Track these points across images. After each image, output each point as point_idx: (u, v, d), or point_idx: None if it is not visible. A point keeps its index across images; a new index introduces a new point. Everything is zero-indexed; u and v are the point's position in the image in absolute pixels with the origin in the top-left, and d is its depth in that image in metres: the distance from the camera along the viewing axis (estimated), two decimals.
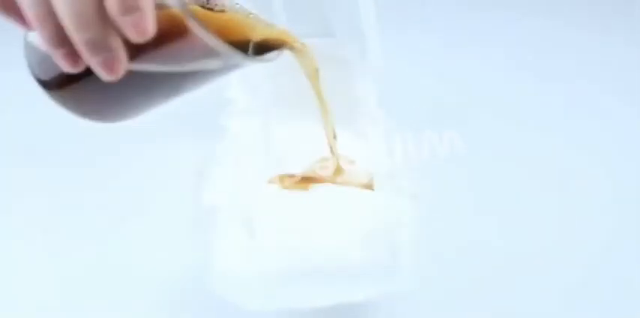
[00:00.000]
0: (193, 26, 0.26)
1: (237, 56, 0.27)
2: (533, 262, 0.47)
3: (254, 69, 0.45)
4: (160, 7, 0.26)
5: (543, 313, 0.44)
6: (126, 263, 0.46)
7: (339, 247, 0.40)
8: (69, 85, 0.29)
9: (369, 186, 0.49)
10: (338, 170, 0.48)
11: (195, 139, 0.54)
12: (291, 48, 0.35)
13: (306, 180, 0.48)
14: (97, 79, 0.27)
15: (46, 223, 0.50)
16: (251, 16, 0.33)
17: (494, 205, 0.51)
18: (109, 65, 0.26)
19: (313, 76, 0.38)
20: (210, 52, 0.27)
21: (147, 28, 0.25)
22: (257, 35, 0.32)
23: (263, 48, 0.32)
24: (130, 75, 0.27)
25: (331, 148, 0.42)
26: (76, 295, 0.44)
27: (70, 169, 0.55)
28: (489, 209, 0.51)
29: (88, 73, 0.27)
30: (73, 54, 0.26)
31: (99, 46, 0.25)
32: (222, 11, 0.32)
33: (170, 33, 0.26)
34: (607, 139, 0.58)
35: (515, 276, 0.46)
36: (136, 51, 0.27)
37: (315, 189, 0.48)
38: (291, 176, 0.49)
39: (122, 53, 0.26)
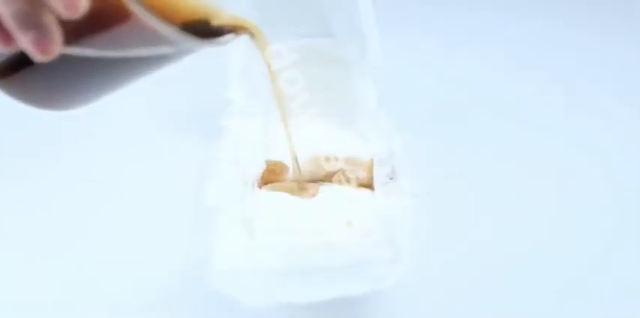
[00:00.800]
0: (136, 10, 0.24)
1: (186, 40, 0.26)
2: (532, 260, 0.47)
3: (254, 70, 0.46)
4: None
5: (542, 311, 0.44)
6: (127, 260, 0.46)
7: (339, 244, 0.40)
8: (11, 74, 0.28)
9: (369, 186, 0.49)
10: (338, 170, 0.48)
11: (196, 139, 0.54)
12: (251, 34, 0.34)
13: (305, 183, 0.48)
14: (39, 67, 0.26)
15: (48, 222, 0.50)
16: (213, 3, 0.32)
17: (493, 205, 0.51)
18: (40, 44, 0.24)
19: (269, 63, 0.37)
20: (157, 37, 0.25)
21: (77, 2, 0.23)
22: (215, 20, 0.31)
23: (216, 33, 0.31)
24: (73, 60, 0.26)
25: (288, 139, 0.42)
26: (76, 291, 0.45)
27: (71, 169, 0.55)
28: (489, 208, 0.51)
29: (30, 61, 0.25)
30: (1, 30, 0.24)
31: (28, 22, 0.24)
32: None
33: (113, 15, 0.25)
34: (607, 139, 0.58)
35: (513, 274, 0.46)
36: (76, 34, 0.25)
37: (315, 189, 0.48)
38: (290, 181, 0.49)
39: (55, 32, 0.24)
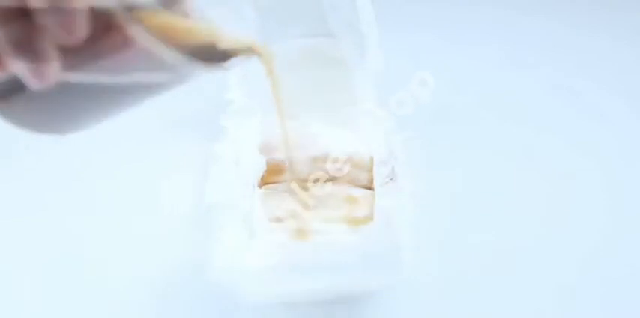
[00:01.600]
0: (141, 36, 0.23)
1: (193, 66, 0.25)
2: (532, 259, 0.47)
3: (253, 71, 0.46)
4: (103, 10, 0.23)
5: (542, 309, 0.44)
6: (127, 258, 0.46)
7: (339, 244, 0.41)
8: (5, 98, 0.26)
9: (369, 186, 0.49)
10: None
11: (196, 139, 0.54)
12: (260, 56, 0.32)
13: (305, 183, 0.48)
14: (34, 92, 0.24)
15: (53, 220, 0.50)
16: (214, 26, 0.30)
17: (494, 204, 0.51)
18: (37, 71, 0.23)
19: (276, 83, 0.36)
20: (162, 63, 0.24)
21: (76, 26, 0.22)
22: (221, 44, 0.30)
23: (222, 56, 0.30)
24: (71, 87, 0.25)
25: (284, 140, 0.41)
26: (79, 286, 0.45)
27: (72, 168, 0.55)
28: (489, 208, 0.51)
29: (25, 85, 0.24)
30: None
31: (23, 47, 0.22)
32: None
33: (114, 41, 0.23)
34: (608, 139, 0.58)
35: (513, 273, 0.46)
36: (75, 60, 0.24)
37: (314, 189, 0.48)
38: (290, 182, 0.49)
39: (52, 58, 0.23)
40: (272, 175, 0.49)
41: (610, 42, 0.71)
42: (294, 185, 0.48)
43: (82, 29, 0.22)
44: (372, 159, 0.49)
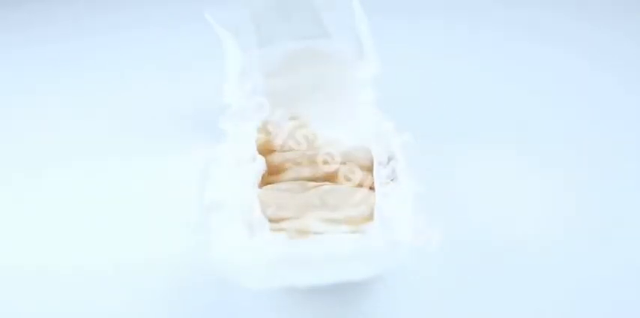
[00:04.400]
0: None
1: None
2: (531, 254, 0.47)
3: (250, 75, 0.46)
4: None
5: (541, 308, 0.44)
6: (129, 256, 0.47)
7: (338, 241, 0.41)
8: None
9: (369, 186, 0.49)
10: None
11: (197, 140, 0.54)
12: None
13: (305, 182, 0.49)
14: None
15: (53, 219, 0.51)
16: None
17: (494, 203, 0.51)
18: None
19: None
20: None
21: None
22: None
23: None
24: None
25: None
26: (80, 285, 0.45)
27: (73, 168, 0.56)
28: (489, 207, 0.51)
29: None
30: None
31: None
32: None
33: None
34: (607, 139, 0.58)
35: (512, 271, 0.46)
36: None
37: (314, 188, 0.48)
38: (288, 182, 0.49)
39: None
40: (272, 175, 0.50)
41: (610, 42, 0.71)
42: (294, 185, 0.48)
43: None
44: (372, 159, 0.49)
